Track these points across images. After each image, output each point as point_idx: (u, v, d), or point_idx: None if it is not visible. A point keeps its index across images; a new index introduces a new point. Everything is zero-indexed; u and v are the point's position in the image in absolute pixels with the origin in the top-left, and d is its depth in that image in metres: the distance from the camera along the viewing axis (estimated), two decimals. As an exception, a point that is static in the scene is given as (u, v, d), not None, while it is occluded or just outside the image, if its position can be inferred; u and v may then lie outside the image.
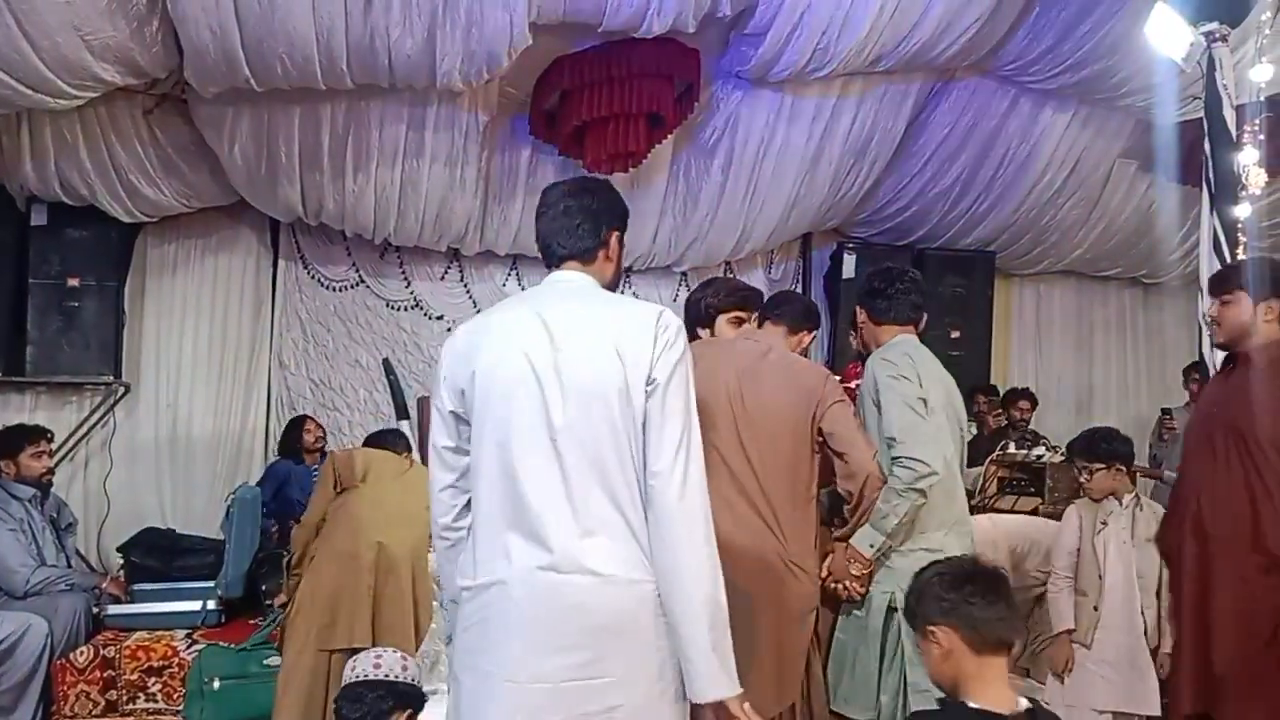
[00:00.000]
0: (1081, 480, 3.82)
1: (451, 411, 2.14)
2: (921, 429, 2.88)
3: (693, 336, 3.14)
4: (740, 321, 3.20)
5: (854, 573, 2.92)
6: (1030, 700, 1.95)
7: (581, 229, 2.21)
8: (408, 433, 4.71)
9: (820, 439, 2.90)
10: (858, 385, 3.33)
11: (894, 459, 2.87)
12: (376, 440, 4.36)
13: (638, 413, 2.01)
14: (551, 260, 2.25)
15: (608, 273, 2.26)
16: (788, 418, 2.86)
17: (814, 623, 2.97)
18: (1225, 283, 3.07)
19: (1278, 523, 2.80)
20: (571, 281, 2.20)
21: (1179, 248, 7.29)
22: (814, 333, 3.27)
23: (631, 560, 2.00)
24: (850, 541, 2.93)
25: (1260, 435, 2.86)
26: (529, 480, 2.01)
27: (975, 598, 1.95)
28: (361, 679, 2.79)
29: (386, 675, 2.80)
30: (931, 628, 1.98)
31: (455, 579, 2.15)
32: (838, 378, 3.18)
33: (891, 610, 2.91)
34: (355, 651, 3.08)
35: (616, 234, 2.26)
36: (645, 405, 2.01)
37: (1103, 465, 3.70)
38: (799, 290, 7.16)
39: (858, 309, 3.27)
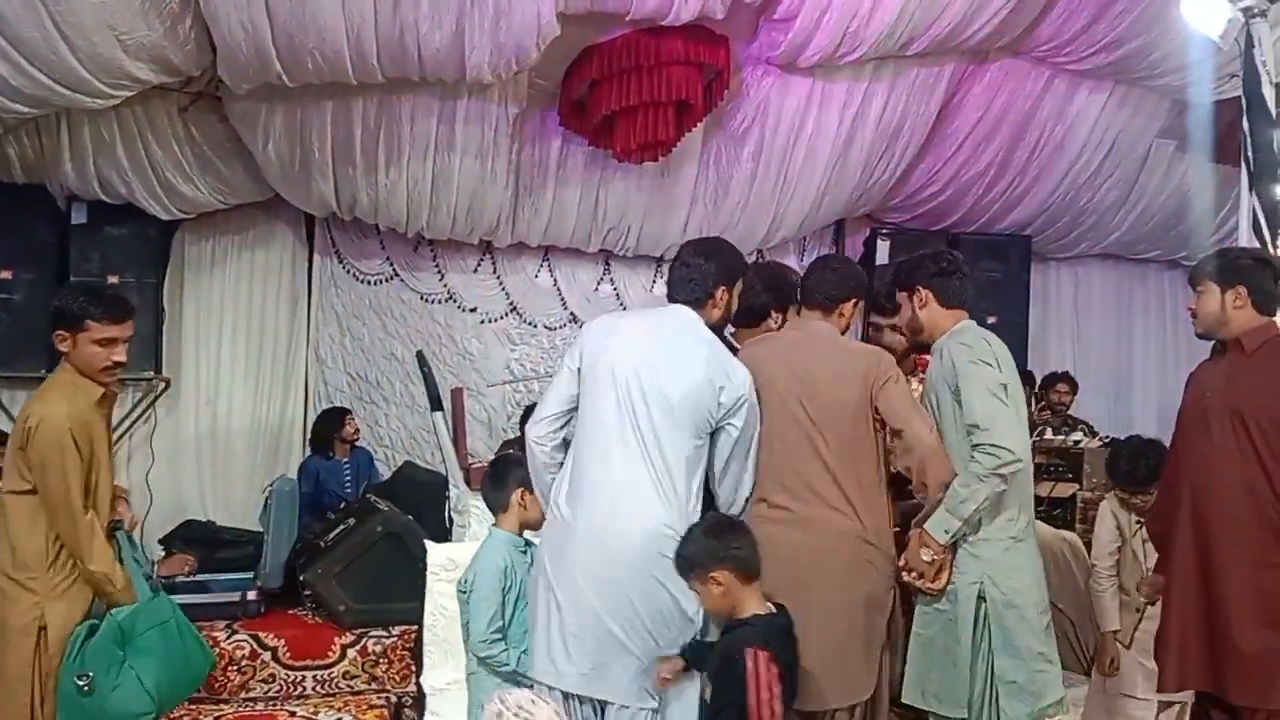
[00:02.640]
0: (1135, 503, 3.71)
1: (576, 369, 2.81)
2: (1005, 415, 2.84)
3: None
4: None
5: (924, 559, 2.84)
6: (774, 604, 2.57)
7: (693, 284, 2.86)
8: (440, 425, 4.73)
9: (878, 417, 2.89)
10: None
11: (976, 445, 2.80)
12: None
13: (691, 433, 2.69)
14: (671, 300, 2.91)
15: (714, 317, 2.87)
16: (847, 400, 2.86)
17: (892, 605, 2.95)
18: (1195, 275, 3.08)
19: None
20: (679, 315, 2.85)
21: (1219, 229, 7.16)
22: (854, 301, 3.12)
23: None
24: (924, 527, 2.86)
25: (1262, 416, 2.84)
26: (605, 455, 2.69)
27: (738, 542, 2.51)
28: None
29: None
30: (712, 574, 2.47)
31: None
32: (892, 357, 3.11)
33: (980, 599, 2.85)
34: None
35: (724, 289, 2.88)
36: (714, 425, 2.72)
37: (1151, 491, 3.58)
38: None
39: (919, 289, 3.10)
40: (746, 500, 2.81)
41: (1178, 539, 3.01)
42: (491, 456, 5.77)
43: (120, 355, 3.13)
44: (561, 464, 2.81)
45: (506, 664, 2.89)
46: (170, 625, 3.20)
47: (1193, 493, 2.97)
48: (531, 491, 2.98)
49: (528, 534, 3.06)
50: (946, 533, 2.81)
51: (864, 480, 2.88)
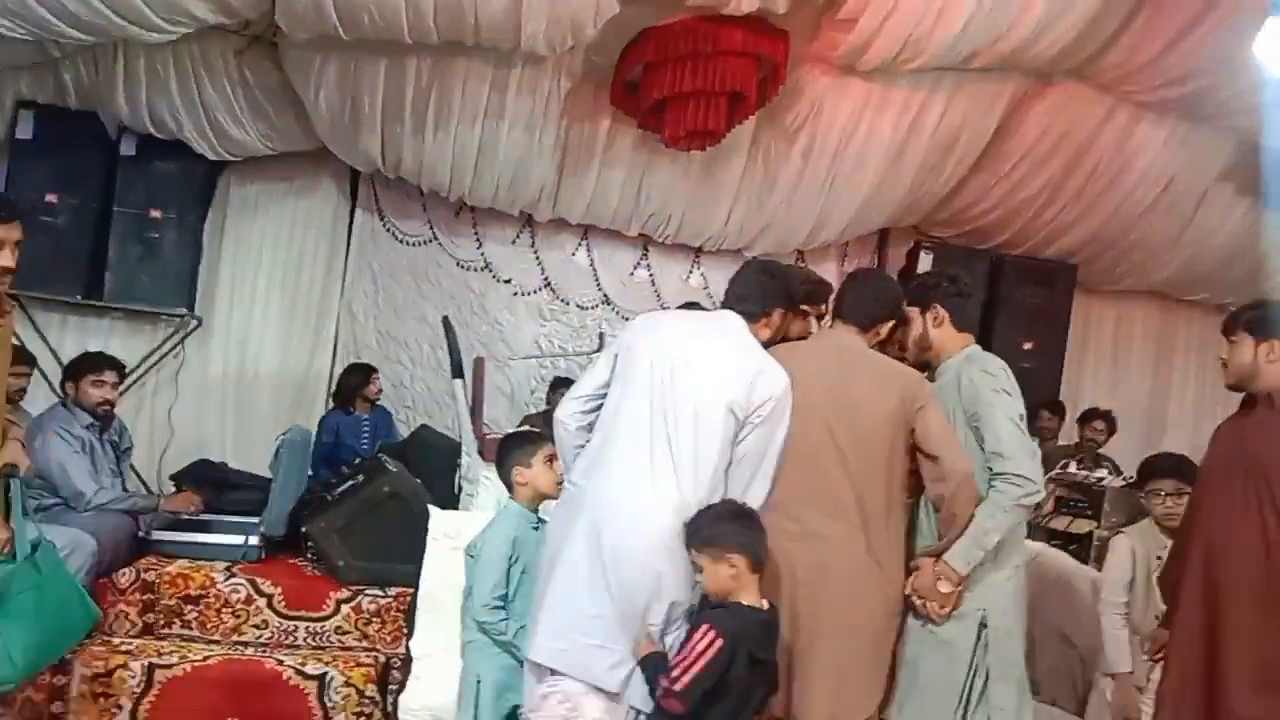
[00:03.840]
0: (1154, 506, 3.67)
1: (615, 354, 2.85)
2: (1026, 445, 2.84)
3: None
4: (805, 315, 3.18)
5: (941, 590, 2.79)
6: (770, 604, 2.61)
7: (753, 299, 2.93)
8: (460, 393, 4.72)
9: (910, 440, 2.84)
10: None
11: (999, 474, 2.78)
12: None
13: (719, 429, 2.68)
14: (725, 307, 2.97)
15: (764, 335, 2.92)
16: (881, 419, 2.81)
17: (898, 631, 2.91)
18: (1229, 324, 2.97)
19: None
20: (728, 319, 2.90)
21: (1272, 277, 7.00)
22: (892, 323, 3.08)
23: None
24: (944, 558, 2.80)
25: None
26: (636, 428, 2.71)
27: (758, 534, 2.58)
28: None
29: None
30: (729, 554, 2.53)
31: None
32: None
33: (982, 626, 2.82)
34: None
35: (780, 311, 2.97)
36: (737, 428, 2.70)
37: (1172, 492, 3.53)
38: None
39: (936, 307, 3.07)
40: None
41: (1185, 594, 2.93)
42: (510, 429, 5.78)
43: (6, 259, 2.84)
44: (583, 437, 2.85)
45: (504, 633, 2.94)
46: (45, 589, 3.13)
47: (1206, 548, 2.89)
48: (530, 465, 3.09)
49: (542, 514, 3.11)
50: (968, 564, 2.77)
51: (886, 502, 2.83)
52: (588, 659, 2.61)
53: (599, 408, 2.83)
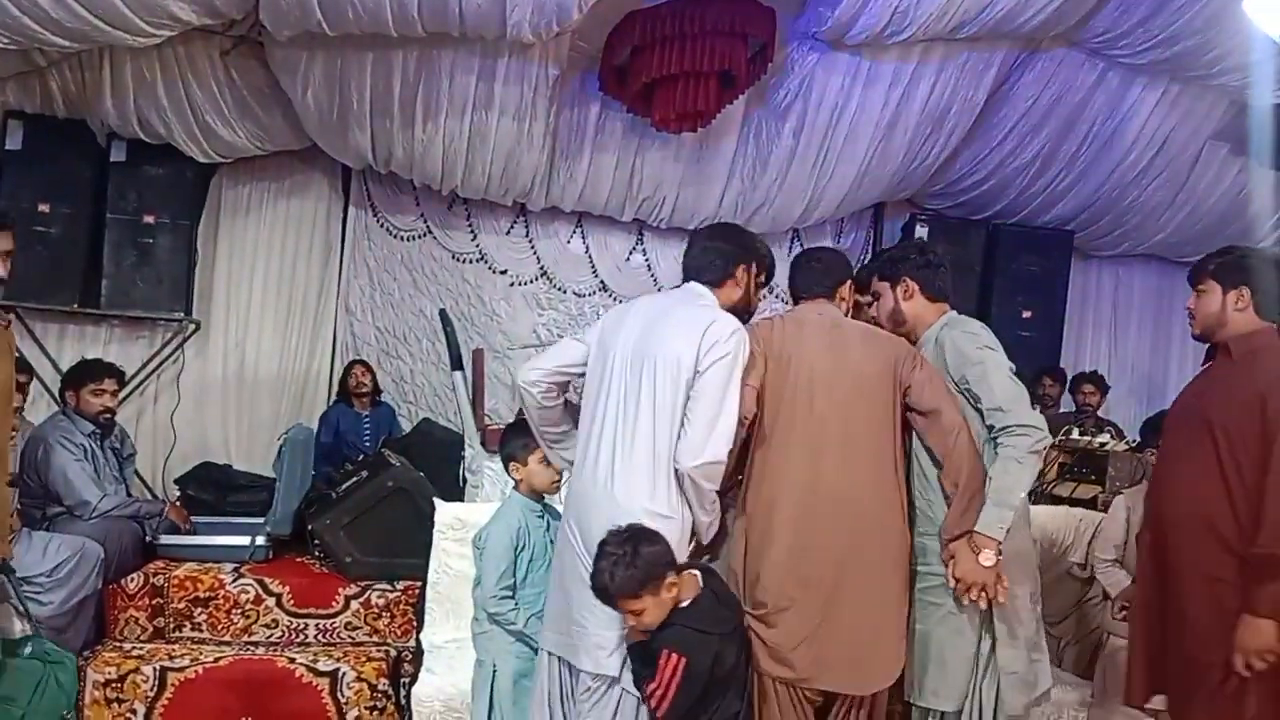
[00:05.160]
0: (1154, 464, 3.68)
1: (586, 344, 2.85)
2: (1023, 394, 2.79)
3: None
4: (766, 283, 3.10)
5: (985, 564, 2.66)
6: (701, 565, 2.68)
7: (713, 265, 2.85)
8: (460, 385, 4.72)
9: (904, 401, 2.80)
10: None
11: (1003, 429, 2.72)
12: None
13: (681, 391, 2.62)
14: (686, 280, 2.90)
15: (735, 297, 2.85)
16: (872, 380, 2.78)
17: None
18: (1197, 272, 2.95)
19: (1242, 519, 2.68)
20: (686, 289, 2.86)
21: (1269, 235, 6.99)
22: (848, 281, 3.03)
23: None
24: (976, 529, 2.70)
25: (1231, 427, 2.75)
26: (606, 417, 2.70)
27: (657, 549, 2.49)
28: None
29: None
30: (669, 579, 2.49)
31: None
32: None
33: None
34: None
35: (744, 267, 2.87)
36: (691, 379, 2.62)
37: None
38: (865, 259, 7.05)
39: (904, 280, 3.03)
40: (702, 466, 2.59)
41: (1141, 551, 2.97)
42: (512, 419, 5.78)
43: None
44: (553, 410, 2.89)
45: (514, 622, 2.97)
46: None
47: (1158, 503, 2.92)
48: (525, 464, 3.07)
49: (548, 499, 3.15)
50: (1002, 528, 2.68)
51: (894, 462, 2.80)
52: (584, 646, 2.63)
53: (564, 387, 2.89)
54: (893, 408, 2.80)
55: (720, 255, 2.85)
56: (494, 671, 3.00)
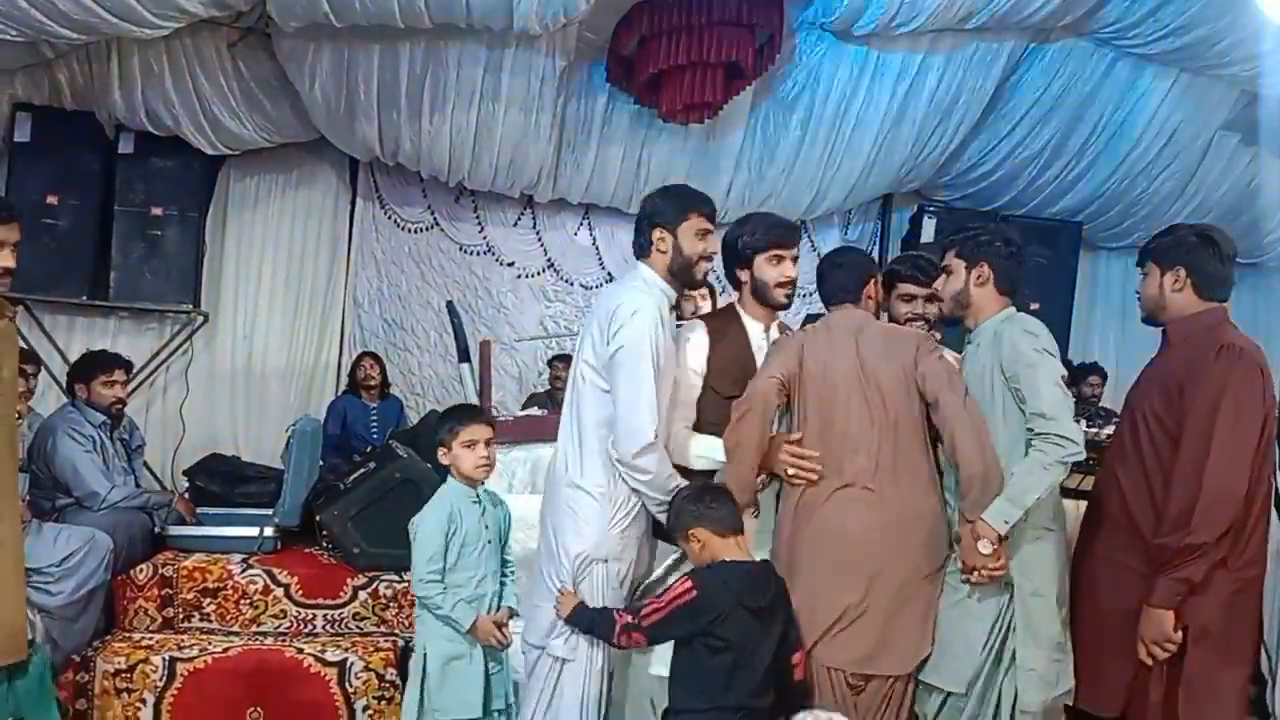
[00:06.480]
0: None
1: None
2: (1068, 406, 2.77)
3: (732, 280, 3.14)
4: (780, 260, 3.05)
5: (982, 551, 2.71)
6: (762, 559, 2.80)
7: (636, 236, 2.95)
8: (467, 377, 4.73)
9: (922, 389, 2.84)
10: None
11: (1041, 434, 2.72)
12: None
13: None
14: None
15: (661, 264, 2.90)
16: (898, 376, 2.84)
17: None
18: (1141, 256, 2.96)
19: (1159, 510, 2.73)
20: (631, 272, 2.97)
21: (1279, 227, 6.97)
22: (872, 281, 3.05)
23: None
24: (982, 516, 2.73)
25: (1148, 412, 2.77)
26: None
27: (714, 503, 2.72)
28: None
29: None
30: (691, 531, 2.71)
31: None
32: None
33: (1007, 584, 2.79)
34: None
35: (658, 230, 2.88)
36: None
37: None
38: (873, 251, 7.04)
39: (983, 264, 2.95)
40: (640, 452, 2.77)
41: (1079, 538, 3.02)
42: (519, 411, 5.79)
43: (6, 259, 2.81)
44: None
45: (440, 606, 2.97)
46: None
47: (1098, 496, 2.97)
48: (450, 448, 3.09)
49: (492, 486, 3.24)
50: (1006, 523, 2.71)
51: (925, 459, 2.86)
52: (533, 620, 2.93)
53: None
54: (918, 399, 2.86)
55: (638, 227, 2.96)
56: (425, 656, 3.01)
